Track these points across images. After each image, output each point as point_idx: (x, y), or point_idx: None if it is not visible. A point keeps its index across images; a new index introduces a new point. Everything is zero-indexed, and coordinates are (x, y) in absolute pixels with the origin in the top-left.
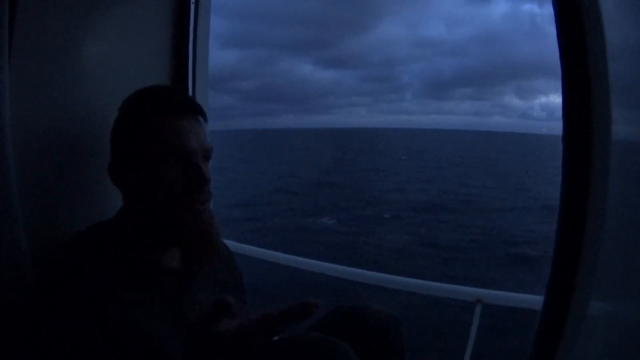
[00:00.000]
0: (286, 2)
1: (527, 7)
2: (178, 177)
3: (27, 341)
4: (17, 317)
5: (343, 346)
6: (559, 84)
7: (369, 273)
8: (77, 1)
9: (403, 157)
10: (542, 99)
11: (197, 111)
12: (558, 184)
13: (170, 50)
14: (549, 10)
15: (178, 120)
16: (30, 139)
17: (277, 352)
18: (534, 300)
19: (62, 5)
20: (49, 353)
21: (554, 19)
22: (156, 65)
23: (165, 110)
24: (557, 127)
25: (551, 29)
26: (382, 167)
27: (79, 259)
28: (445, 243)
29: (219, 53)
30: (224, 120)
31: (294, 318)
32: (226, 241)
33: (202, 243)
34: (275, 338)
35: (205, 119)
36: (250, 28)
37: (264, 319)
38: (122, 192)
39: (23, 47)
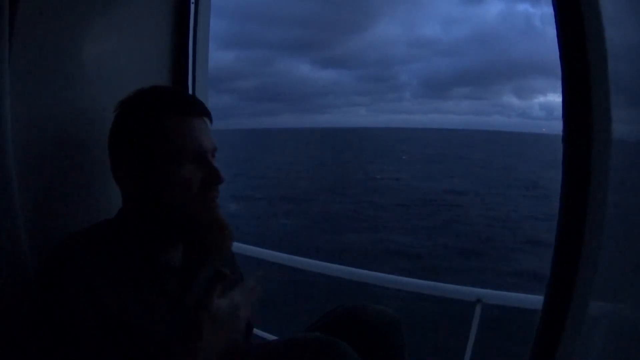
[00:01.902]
0: (284, 2)
1: (521, 7)
2: (193, 175)
3: (29, 340)
4: (18, 316)
5: (343, 346)
6: (556, 84)
7: (369, 273)
8: (77, 2)
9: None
10: (541, 99)
11: (204, 111)
12: (465, 177)
13: (170, 50)
14: (542, 10)
15: (190, 120)
16: (30, 139)
17: (278, 352)
18: (534, 300)
19: (62, 5)
20: (51, 351)
21: (553, 19)
22: (156, 65)
23: (177, 110)
24: (556, 126)
25: (547, 29)
26: (335, 162)
27: (80, 257)
28: (314, 213)
29: (218, 54)
30: (224, 119)
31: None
32: None
33: (219, 238)
34: (276, 338)
35: (211, 119)
36: (248, 28)
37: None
38: (125, 191)
39: (23, 48)
